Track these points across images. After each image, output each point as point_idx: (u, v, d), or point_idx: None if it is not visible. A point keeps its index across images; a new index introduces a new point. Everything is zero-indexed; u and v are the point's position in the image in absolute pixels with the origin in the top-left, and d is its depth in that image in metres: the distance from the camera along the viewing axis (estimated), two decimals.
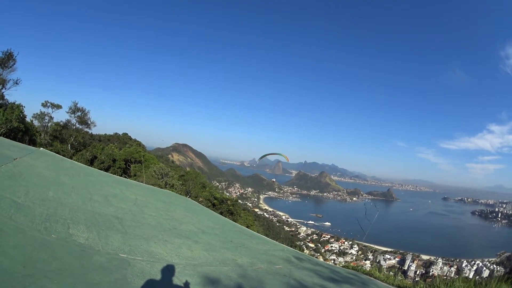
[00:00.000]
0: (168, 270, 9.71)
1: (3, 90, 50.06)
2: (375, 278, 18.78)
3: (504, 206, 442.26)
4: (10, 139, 37.52)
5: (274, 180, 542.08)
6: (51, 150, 39.71)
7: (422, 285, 16.18)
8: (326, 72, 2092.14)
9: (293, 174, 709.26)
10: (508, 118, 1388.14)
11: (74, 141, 66.71)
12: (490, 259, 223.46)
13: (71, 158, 49.32)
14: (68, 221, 11.21)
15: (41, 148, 34.99)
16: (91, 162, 60.06)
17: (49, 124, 64.08)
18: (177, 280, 9.21)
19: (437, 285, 14.86)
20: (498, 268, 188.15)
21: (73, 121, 71.09)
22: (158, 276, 8.97)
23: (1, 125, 42.08)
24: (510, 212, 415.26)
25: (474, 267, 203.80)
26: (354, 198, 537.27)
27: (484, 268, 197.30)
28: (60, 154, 39.21)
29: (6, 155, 19.42)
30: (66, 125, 69.10)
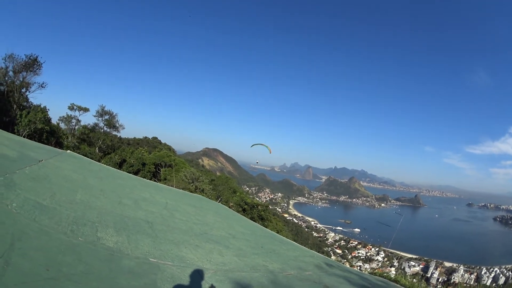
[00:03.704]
0: (199, 275, 9.56)
1: (27, 93, 50.60)
2: (401, 285, 18.94)
3: None
4: (35, 141, 37.77)
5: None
6: (78, 153, 39.86)
7: None
8: (355, 79, 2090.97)
9: (323, 180, 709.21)
10: None
11: (102, 144, 67.38)
12: (507, 266, 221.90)
13: (99, 161, 49.59)
14: (97, 224, 11.07)
15: (68, 151, 35.07)
16: (120, 166, 60.45)
17: (76, 127, 64.66)
18: (207, 285, 9.03)
19: None
20: None
21: (101, 124, 71.84)
22: (188, 282, 8.80)
23: (24, 127, 42.46)
24: None
25: (492, 274, 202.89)
26: (383, 204, 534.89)
27: (501, 275, 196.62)
28: (87, 157, 39.32)
29: (30, 156, 19.37)
30: (93, 128, 69.74)
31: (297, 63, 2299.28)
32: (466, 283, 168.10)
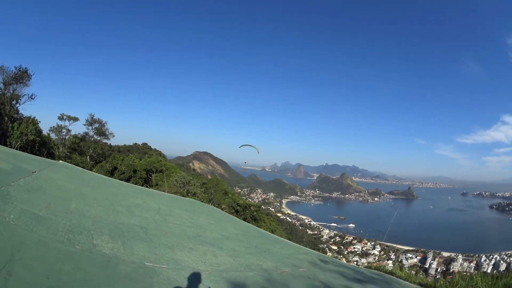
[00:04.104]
0: (194, 277, 9.74)
1: (17, 105, 50.59)
2: (397, 277, 19.22)
3: None
4: (27, 152, 37.82)
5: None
6: (70, 163, 39.89)
7: (442, 282, 16.23)
8: (343, 75, 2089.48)
9: (315, 177, 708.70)
10: None
11: (93, 152, 67.32)
12: (507, 252, 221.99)
13: (91, 169, 49.65)
14: (92, 232, 11.25)
15: (60, 161, 35.14)
16: (111, 173, 60.46)
17: (66, 137, 64.58)
18: (203, 286, 9.23)
19: (456, 281, 14.96)
20: None
21: (91, 133, 71.79)
22: (184, 283, 8.98)
23: (16, 139, 42.45)
24: None
25: (492, 261, 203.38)
26: (376, 199, 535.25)
27: (502, 261, 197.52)
28: (79, 166, 39.38)
29: (24, 168, 19.56)
30: (84, 137, 69.65)
31: (283, 62, 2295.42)
32: (466, 271, 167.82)
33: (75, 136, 66.84)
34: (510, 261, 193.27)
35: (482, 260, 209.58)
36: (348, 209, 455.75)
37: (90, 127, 71.44)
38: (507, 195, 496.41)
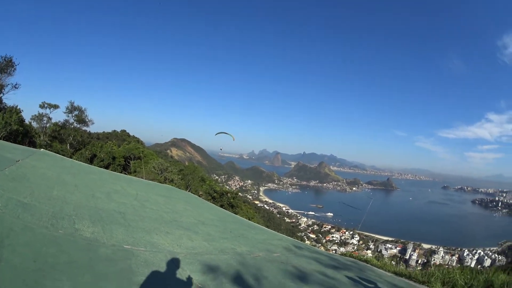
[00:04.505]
0: (170, 259, 10.17)
1: (1, 95, 50.12)
2: (372, 265, 19.32)
3: (504, 195, 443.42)
4: (11, 142, 37.73)
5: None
6: (51, 151, 39.78)
7: (417, 272, 16.50)
8: (324, 64, 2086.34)
9: (292, 166, 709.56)
10: (507, 107, 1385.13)
11: (73, 140, 66.59)
12: (491, 248, 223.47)
13: (71, 157, 49.34)
14: (74, 217, 11.59)
15: (42, 149, 35.18)
16: (90, 161, 60.04)
17: (47, 125, 64.00)
18: (179, 268, 9.65)
19: (432, 272, 15.35)
20: (500, 258, 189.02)
21: (71, 120, 71.00)
22: (161, 265, 9.42)
23: (1, 128, 42.22)
24: (511, 201, 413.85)
25: (476, 256, 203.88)
26: (354, 188, 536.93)
27: (486, 257, 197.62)
28: (60, 154, 39.33)
29: (8, 158, 19.65)
30: (64, 125, 68.97)
31: (260, 50, 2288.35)
32: (447, 264, 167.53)
33: (55, 124, 65.86)
34: (495, 257, 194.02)
35: (465, 254, 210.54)
36: (326, 198, 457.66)
37: (70, 115, 70.64)
38: (490, 192, 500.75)
